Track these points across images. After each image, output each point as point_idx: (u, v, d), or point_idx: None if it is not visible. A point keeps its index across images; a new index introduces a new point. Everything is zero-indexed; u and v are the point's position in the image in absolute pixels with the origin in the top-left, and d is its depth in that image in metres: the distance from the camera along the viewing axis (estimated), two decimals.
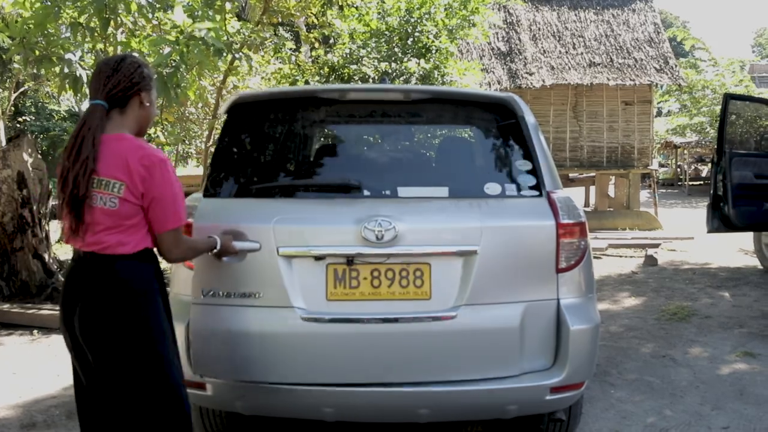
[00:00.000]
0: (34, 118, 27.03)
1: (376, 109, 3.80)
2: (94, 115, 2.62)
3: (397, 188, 3.42)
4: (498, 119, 3.66)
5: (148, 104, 2.78)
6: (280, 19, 11.35)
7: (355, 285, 3.18)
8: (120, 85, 2.67)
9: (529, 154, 3.51)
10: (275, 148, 3.80)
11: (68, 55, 7.02)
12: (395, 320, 3.17)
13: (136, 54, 3.00)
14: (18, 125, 24.76)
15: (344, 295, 3.18)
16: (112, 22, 7.38)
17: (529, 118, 3.59)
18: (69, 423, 4.42)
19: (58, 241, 12.54)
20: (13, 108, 23.73)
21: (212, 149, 6.58)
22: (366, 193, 3.41)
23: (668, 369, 5.35)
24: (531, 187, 3.44)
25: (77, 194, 2.56)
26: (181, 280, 3.34)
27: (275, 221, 3.18)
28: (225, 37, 7.78)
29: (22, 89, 21.57)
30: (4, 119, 17.30)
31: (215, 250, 3.03)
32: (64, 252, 10.94)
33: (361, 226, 3.13)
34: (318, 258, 3.17)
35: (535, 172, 3.46)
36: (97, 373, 2.67)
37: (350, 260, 3.16)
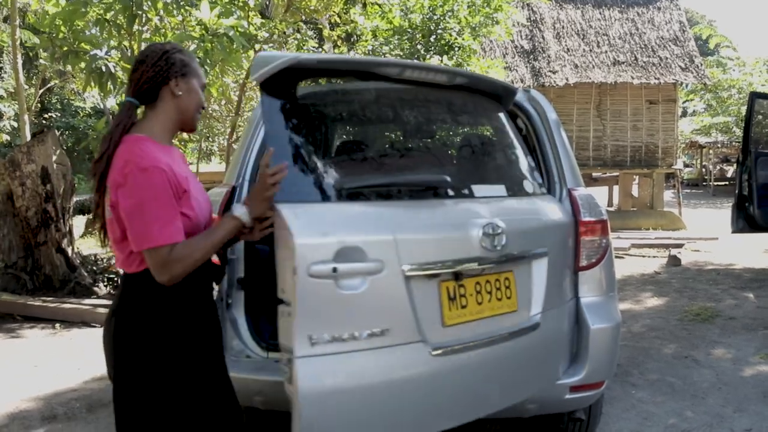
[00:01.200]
0: (59, 114, 27.37)
1: (420, 93, 3.19)
2: (121, 113, 2.37)
3: (471, 187, 2.97)
4: (519, 113, 3.62)
5: (180, 93, 2.38)
6: (303, 17, 11.39)
7: (464, 304, 2.68)
8: (144, 76, 2.36)
9: (550, 151, 3.47)
10: (335, 134, 3.09)
11: (94, 51, 7.08)
12: (501, 339, 2.78)
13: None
14: (44, 121, 25.09)
15: (458, 317, 2.66)
16: (137, 19, 7.43)
17: (551, 115, 3.55)
18: (89, 416, 4.45)
19: (82, 236, 12.68)
20: (39, 104, 24.02)
21: (234, 146, 6.57)
22: (450, 192, 2.89)
23: (690, 370, 5.29)
24: (552, 184, 3.41)
25: (95, 201, 2.33)
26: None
27: (397, 231, 2.52)
28: (249, 30, 7.82)
29: (47, 86, 21.84)
30: (30, 115, 17.48)
31: (245, 228, 2.34)
32: (87, 247, 11.03)
33: (478, 232, 2.69)
34: (432, 275, 2.59)
35: (556, 169, 3.43)
36: None
37: (458, 275, 2.66)
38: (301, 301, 2.25)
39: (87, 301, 7.38)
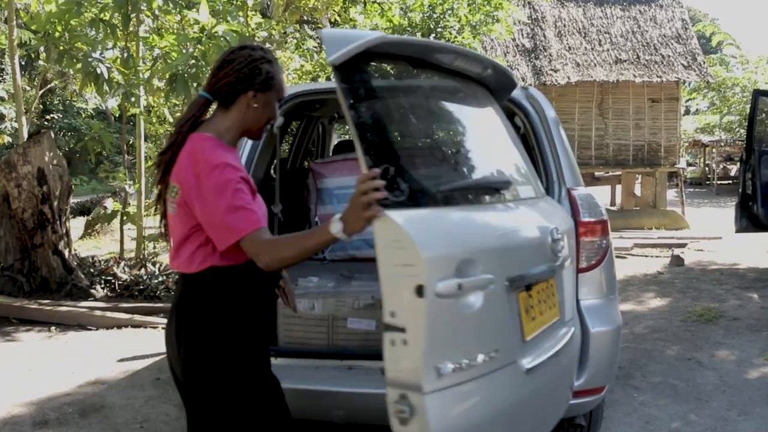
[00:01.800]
0: (61, 115, 27.37)
1: (455, 84, 2.89)
2: (192, 107, 2.35)
3: (517, 188, 2.77)
4: (517, 111, 3.56)
5: (255, 105, 2.32)
6: (303, 16, 11.34)
7: (534, 316, 2.45)
8: (225, 78, 2.31)
9: (549, 150, 3.41)
10: (406, 129, 2.68)
11: (90, 52, 7.05)
12: (561, 350, 2.64)
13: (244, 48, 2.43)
14: (45, 123, 25.10)
15: (532, 330, 2.42)
16: (133, 19, 7.39)
17: (549, 113, 3.49)
18: (81, 421, 4.37)
19: (81, 238, 12.63)
20: (40, 106, 24.03)
21: None
22: (507, 195, 2.64)
23: (694, 372, 5.21)
24: (551, 184, 3.35)
25: (158, 193, 2.32)
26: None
27: (499, 240, 2.32)
28: (247, 33, 7.80)
29: (48, 86, 21.82)
30: (32, 117, 17.47)
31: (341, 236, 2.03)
32: (85, 249, 10.99)
33: (548, 237, 2.57)
34: (516, 286, 2.34)
35: (555, 168, 3.37)
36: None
37: (529, 284, 2.43)
38: (429, 327, 1.90)
39: (83, 303, 7.31)
